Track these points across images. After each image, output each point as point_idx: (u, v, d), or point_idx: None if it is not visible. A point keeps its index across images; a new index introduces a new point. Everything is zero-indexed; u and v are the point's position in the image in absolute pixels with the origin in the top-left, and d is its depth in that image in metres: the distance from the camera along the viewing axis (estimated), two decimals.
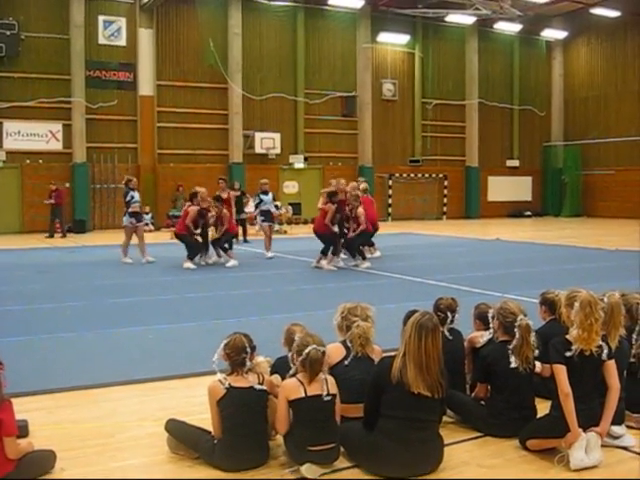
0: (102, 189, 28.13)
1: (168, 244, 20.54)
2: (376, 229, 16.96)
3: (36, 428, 5.23)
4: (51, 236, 24.22)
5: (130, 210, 16.59)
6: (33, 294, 12.06)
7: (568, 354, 4.73)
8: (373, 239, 17.06)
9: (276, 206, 22.26)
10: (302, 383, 4.61)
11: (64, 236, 24.40)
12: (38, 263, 16.84)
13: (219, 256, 16.63)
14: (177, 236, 16.49)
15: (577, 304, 4.82)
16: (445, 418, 5.35)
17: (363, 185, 17.63)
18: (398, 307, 4.86)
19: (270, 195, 18.63)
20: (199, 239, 16.18)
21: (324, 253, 15.20)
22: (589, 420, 4.76)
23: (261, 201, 18.31)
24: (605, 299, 5.35)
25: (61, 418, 5.66)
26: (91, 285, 13.11)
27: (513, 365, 5.09)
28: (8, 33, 25.79)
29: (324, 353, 4.72)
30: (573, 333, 4.79)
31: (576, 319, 4.78)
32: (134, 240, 16.66)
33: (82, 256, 18.65)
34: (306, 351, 4.65)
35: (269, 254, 17.24)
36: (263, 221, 17.82)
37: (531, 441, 4.88)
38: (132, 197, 16.59)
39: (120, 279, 14.05)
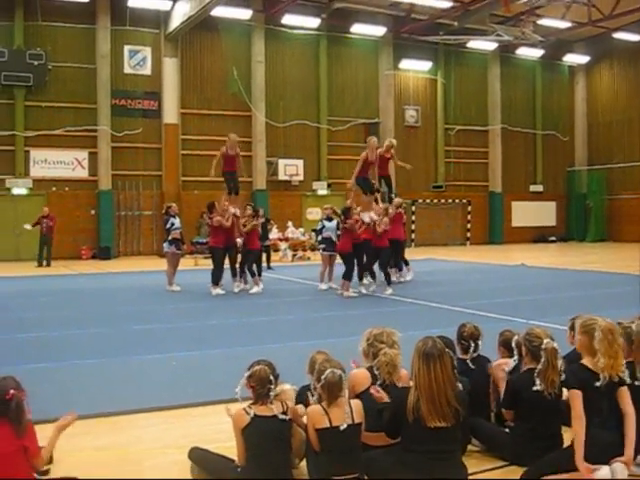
0: (127, 216, 28.39)
1: (192, 271, 20.64)
2: (396, 245, 16.50)
3: (60, 455, 5.22)
4: (40, 265, 23.43)
5: (171, 237, 16.35)
6: (57, 320, 12.14)
7: (597, 384, 4.66)
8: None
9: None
10: (326, 412, 4.59)
11: (48, 265, 23.60)
12: (62, 290, 16.96)
13: (245, 282, 16.26)
14: (210, 249, 16.49)
15: (598, 333, 4.76)
16: (470, 447, 5.30)
17: (397, 200, 17.46)
18: (423, 334, 4.81)
19: (334, 222, 16.80)
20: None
21: (346, 278, 14.96)
22: (611, 448, 4.68)
23: (323, 227, 16.91)
24: (634, 326, 5.30)
25: (84, 445, 5.66)
26: (115, 312, 13.16)
27: (537, 388, 5.01)
28: (36, 63, 26.23)
29: (341, 376, 4.70)
30: (600, 361, 4.73)
31: (600, 347, 4.72)
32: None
33: (106, 283, 18.76)
34: (324, 375, 4.64)
35: (323, 286, 16.18)
36: (324, 250, 16.58)
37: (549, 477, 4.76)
38: (172, 224, 16.43)
39: (143, 306, 14.10)
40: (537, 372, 5.05)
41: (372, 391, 4.91)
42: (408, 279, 17.53)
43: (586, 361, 4.83)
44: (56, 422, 4.64)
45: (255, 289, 15.86)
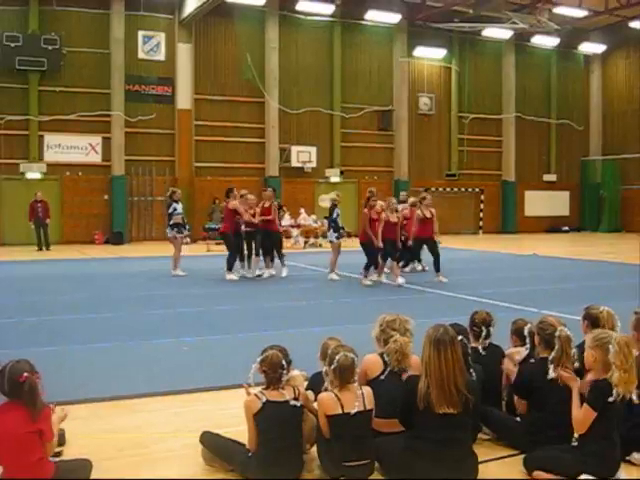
0: (140, 201, 28.45)
1: (205, 257, 20.69)
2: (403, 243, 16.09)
3: (72, 437, 5.27)
4: (40, 249, 23.62)
5: (172, 222, 16.50)
6: (69, 304, 12.21)
7: (610, 399, 4.59)
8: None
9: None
10: (338, 398, 4.60)
11: (48, 248, 23.78)
12: (75, 274, 17.05)
13: (267, 266, 16.20)
14: (221, 234, 16.72)
15: (613, 346, 4.64)
16: (481, 435, 5.30)
17: (411, 199, 17.33)
18: (435, 322, 4.80)
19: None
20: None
21: (367, 269, 14.80)
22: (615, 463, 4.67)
23: (338, 215, 16.20)
24: None
25: (97, 428, 5.70)
26: (127, 296, 13.22)
27: (551, 376, 4.99)
28: (50, 48, 26.25)
29: (354, 360, 4.70)
30: (614, 376, 4.60)
31: (616, 361, 4.65)
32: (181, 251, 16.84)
33: (118, 267, 18.83)
34: (336, 358, 4.64)
35: (334, 276, 15.82)
36: (337, 237, 15.99)
37: (538, 472, 4.71)
38: (175, 209, 16.58)
39: (156, 291, 14.13)
40: (551, 359, 5.02)
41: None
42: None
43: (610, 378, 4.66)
44: (57, 411, 4.62)
45: (268, 272, 16.00)
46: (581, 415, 4.60)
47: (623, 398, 4.58)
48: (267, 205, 16.21)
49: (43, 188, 25.91)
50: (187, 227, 17.37)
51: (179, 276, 16.20)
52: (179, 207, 16.73)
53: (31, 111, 26.54)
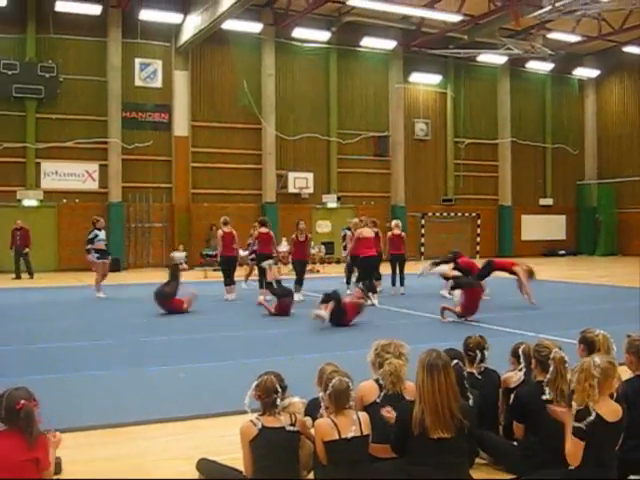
0: (137, 228, 28.47)
1: (202, 283, 20.65)
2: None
3: (68, 465, 5.24)
4: (17, 277, 23.46)
5: (95, 247, 17.86)
6: (66, 331, 12.17)
7: (590, 419, 4.55)
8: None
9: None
10: (335, 424, 4.58)
11: (31, 277, 23.60)
12: (72, 301, 17.03)
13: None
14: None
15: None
16: (478, 460, 5.28)
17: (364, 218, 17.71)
18: (430, 347, 4.81)
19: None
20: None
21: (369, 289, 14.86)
22: None
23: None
24: None
25: (93, 456, 5.68)
26: (124, 323, 13.21)
27: (546, 397, 4.98)
28: (47, 75, 26.40)
29: (349, 384, 4.70)
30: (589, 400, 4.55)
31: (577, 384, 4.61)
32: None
33: (116, 294, 18.80)
34: (331, 383, 4.64)
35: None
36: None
37: None
38: (96, 235, 17.96)
39: (151, 318, 14.10)
40: (546, 381, 5.03)
41: (383, 412, 4.90)
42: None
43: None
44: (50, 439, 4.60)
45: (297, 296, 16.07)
46: (572, 448, 4.57)
47: (601, 419, 4.53)
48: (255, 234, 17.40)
49: (40, 215, 25.96)
50: (109, 254, 18.93)
51: (101, 298, 17.21)
52: (101, 234, 18.10)
53: (28, 138, 26.61)
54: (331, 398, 4.65)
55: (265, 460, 4.57)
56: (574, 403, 4.60)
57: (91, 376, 8.60)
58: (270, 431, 4.59)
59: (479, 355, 5.77)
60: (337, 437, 4.55)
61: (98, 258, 17.85)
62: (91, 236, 17.95)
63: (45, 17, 26.57)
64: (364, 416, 4.74)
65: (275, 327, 12.69)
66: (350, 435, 4.55)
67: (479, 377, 5.70)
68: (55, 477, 4.82)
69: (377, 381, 5.25)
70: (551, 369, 5.04)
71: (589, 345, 5.79)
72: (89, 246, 17.90)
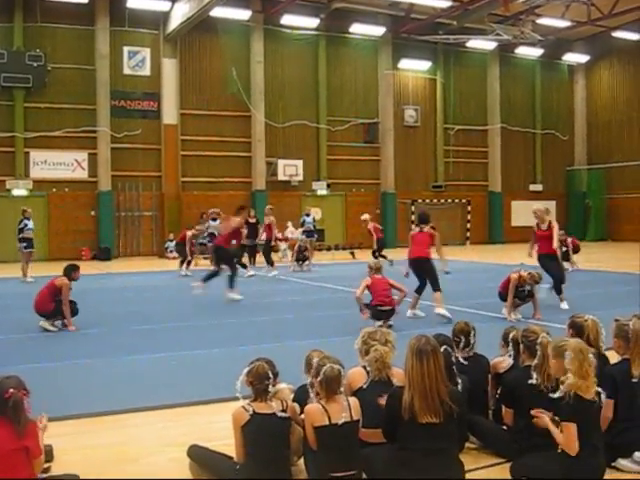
0: (127, 217, 28.42)
1: (192, 271, 20.61)
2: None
3: (60, 453, 5.26)
4: None
5: (23, 236, 18.71)
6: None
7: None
8: None
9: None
10: (325, 410, 4.60)
11: None
12: None
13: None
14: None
15: (569, 352, 4.68)
16: (467, 444, 5.31)
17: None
18: (422, 334, 4.83)
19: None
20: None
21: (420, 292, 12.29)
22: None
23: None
24: (631, 324, 5.32)
25: (85, 443, 5.69)
26: (114, 312, 13.19)
27: (532, 381, 5.02)
28: (35, 64, 26.27)
29: (340, 371, 4.71)
30: (568, 381, 4.63)
31: (571, 367, 4.66)
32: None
33: (105, 283, 18.80)
34: (322, 370, 4.66)
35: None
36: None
37: None
38: (25, 225, 18.81)
39: (143, 306, 14.12)
40: (533, 366, 5.09)
41: (380, 401, 4.91)
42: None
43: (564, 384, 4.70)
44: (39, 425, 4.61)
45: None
46: (566, 435, 4.60)
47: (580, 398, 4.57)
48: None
49: (30, 205, 25.75)
50: (33, 243, 19.35)
51: (29, 283, 17.72)
52: (30, 224, 18.91)
53: (17, 128, 26.50)
54: (322, 385, 4.66)
55: (256, 446, 4.58)
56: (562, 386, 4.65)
57: (82, 364, 8.61)
58: (261, 417, 4.60)
59: (464, 340, 5.81)
60: (327, 422, 4.57)
61: (25, 247, 18.73)
62: (21, 226, 18.78)
63: (32, 5, 26.43)
64: (354, 401, 4.76)
65: (263, 315, 12.68)
66: (341, 421, 4.57)
67: (464, 362, 5.73)
68: (46, 465, 4.84)
69: (365, 368, 5.28)
70: (538, 354, 5.08)
71: (578, 330, 5.85)
72: (20, 235, 18.71)
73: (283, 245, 26.53)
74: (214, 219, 21.04)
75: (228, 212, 19.63)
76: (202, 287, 14.49)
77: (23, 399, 4.24)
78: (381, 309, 10.47)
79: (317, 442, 4.60)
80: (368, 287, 10.63)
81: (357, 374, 5.25)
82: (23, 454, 4.18)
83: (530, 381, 5.04)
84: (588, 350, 4.77)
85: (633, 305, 10.21)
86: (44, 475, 4.56)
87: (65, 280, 11.07)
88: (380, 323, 9.73)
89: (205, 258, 23.14)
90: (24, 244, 18.78)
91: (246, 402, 4.69)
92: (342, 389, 4.73)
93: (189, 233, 21.07)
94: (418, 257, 11.74)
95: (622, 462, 4.98)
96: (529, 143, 37.79)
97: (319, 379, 4.68)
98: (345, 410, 4.62)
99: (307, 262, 22.10)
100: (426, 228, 12.09)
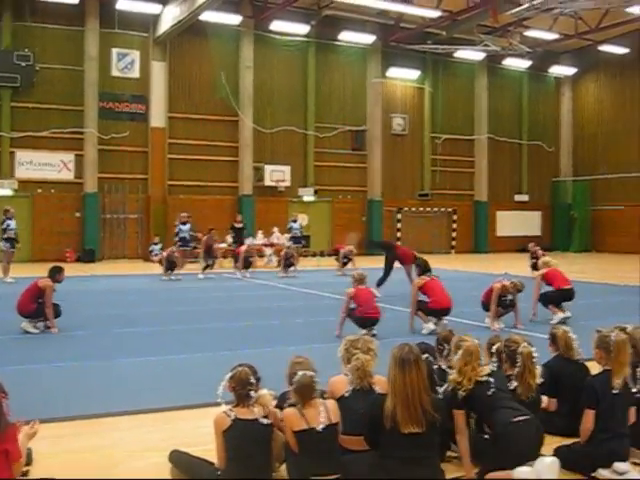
0: (112, 219, 28.32)
1: (177, 274, 20.58)
2: None
3: (40, 457, 5.23)
4: None
5: (6, 236, 19.01)
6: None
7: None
8: None
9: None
10: (302, 414, 4.61)
11: None
12: None
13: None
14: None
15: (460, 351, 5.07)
16: (449, 453, 5.32)
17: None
18: (405, 341, 4.84)
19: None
20: None
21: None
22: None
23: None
24: (612, 336, 5.35)
25: (65, 447, 5.66)
26: (97, 315, 13.13)
27: (512, 387, 5.07)
28: (23, 64, 26.16)
29: (312, 377, 4.72)
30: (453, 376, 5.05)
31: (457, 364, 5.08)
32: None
33: (89, 286, 18.71)
34: (295, 378, 4.67)
35: None
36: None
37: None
38: (8, 225, 19.11)
39: (127, 309, 14.07)
40: (514, 375, 5.14)
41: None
42: None
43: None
44: (24, 430, 4.59)
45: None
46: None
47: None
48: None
49: (14, 205, 25.63)
50: (18, 242, 19.66)
51: (9, 283, 17.83)
52: (12, 224, 19.23)
53: (3, 127, 26.38)
54: (296, 392, 4.68)
55: (238, 451, 4.58)
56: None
57: (64, 367, 8.57)
58: (243, 423, 4.60)
59: (447, 348, 5.83)
60: (305, 426, 4.57)
61: (9, 247, 19.04)
62: (4, 226, 19.09)
63: (22, 5, 26.38)
64: (331, 403, 4.77)
65: (248, 320, 12.67)
66: (320, 427, 4.58)
67: (448, 370, 5.74)
68: (25, 468, 4.80)
69: (347, 375, 5.28)
70: (519, 363, 5.15)
71: (552, 339, 6.11)
72: (4, 235, 19.00)
73: (269, 250, 26.53)
74: (184, 223, 21.65)
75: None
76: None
77: (2, 402, 4.21)
78: (366, 317, 10.52)
79: (298, 446, 4.61)
80: (352, 298, 10.69)
81: (339, 382, 5.25)
82: (2, 457, 4.14)
83: (510, 387, 5.10)
84: (479, 352, 5.12)
85: (615, 316, 10.25)
86: (22, 478, 4.53)
87: (49, 282, 11.01)
88: (365, 331, 9.74)
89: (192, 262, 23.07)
90: (8, 244, 19.04)
91: (228, 407, 4.69)
92: (316, 394, 4.75)
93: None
94: (449, 307, 11.99)
95: (602, 472, 5.02)
96: (515, 154, 37.99)
97: (293, 387, 4.70)
98: (321, 413, 4.63)
99: (292, 268, 22.10)
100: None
